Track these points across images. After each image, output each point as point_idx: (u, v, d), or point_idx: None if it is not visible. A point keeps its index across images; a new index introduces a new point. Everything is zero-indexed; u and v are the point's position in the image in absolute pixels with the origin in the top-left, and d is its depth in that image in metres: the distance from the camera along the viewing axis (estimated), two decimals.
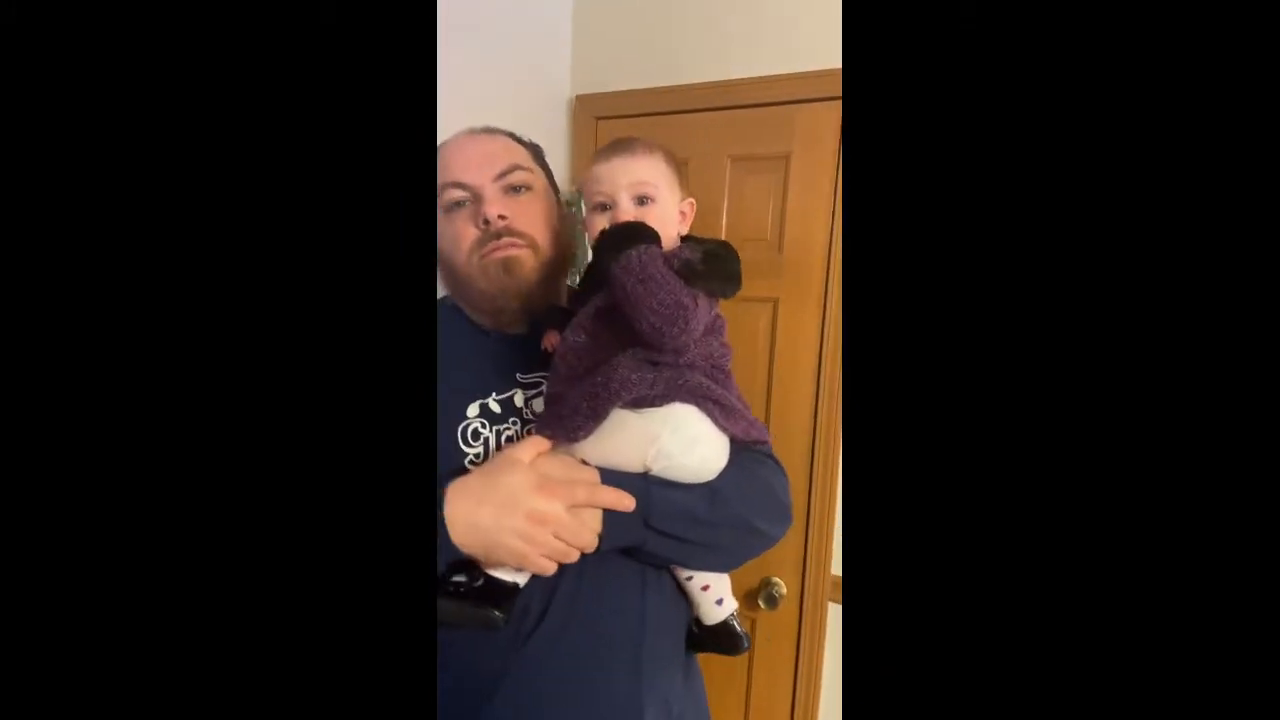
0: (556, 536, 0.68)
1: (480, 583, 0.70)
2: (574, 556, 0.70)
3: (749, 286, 1.43)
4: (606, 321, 0.74)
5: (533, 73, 1.55)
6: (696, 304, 0.69)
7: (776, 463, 0.86)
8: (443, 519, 0.65)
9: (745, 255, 1.48)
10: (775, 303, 1.46)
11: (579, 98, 1.61)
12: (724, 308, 1.49)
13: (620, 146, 0.78)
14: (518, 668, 0.72)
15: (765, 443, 0.82)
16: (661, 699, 0.78)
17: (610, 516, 0.70)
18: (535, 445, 0.72)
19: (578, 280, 0.86)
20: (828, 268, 1.40)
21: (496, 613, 0.69)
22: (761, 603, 1.46)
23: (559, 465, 0.71)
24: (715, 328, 0.78)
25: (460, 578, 0.70)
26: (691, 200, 0.82)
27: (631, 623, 0.77)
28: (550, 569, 0.69)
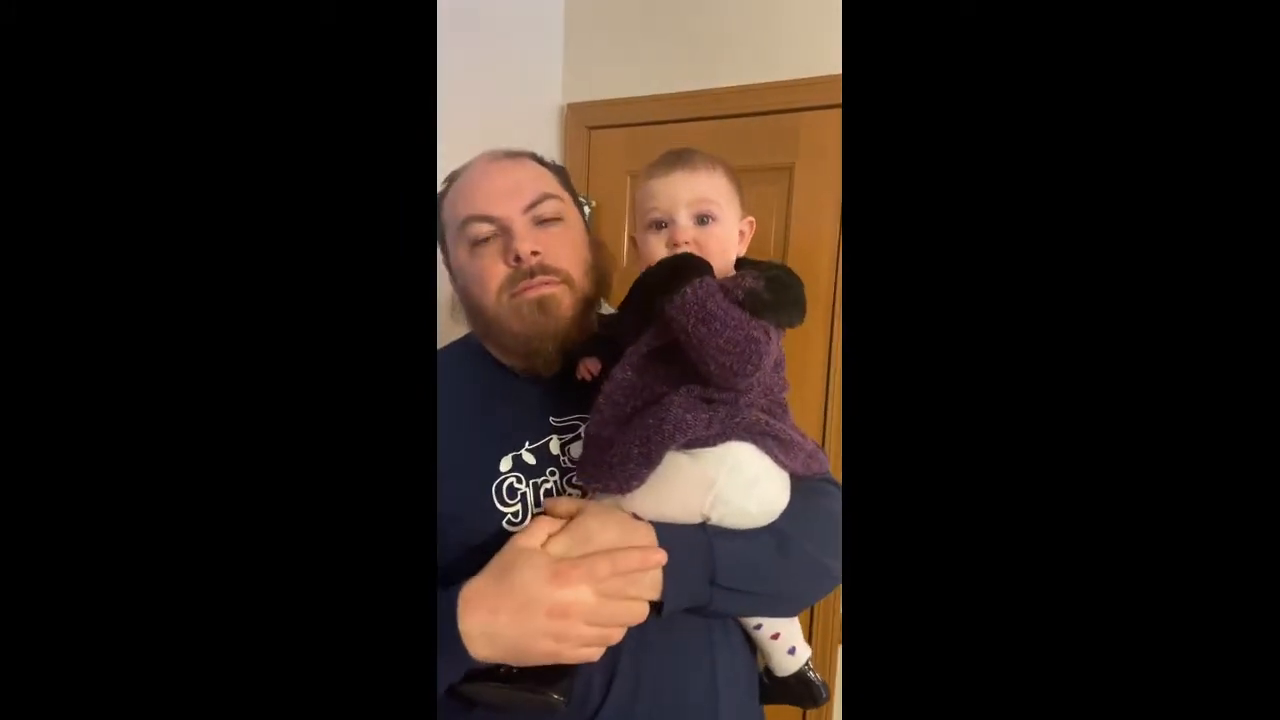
0: (589, 623, 0.61)
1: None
2: (616, 637, 0.63)
3: None
4: (659, 359, 0.67)
5: (523, 80, 1.49)
6: (768, 336, 0.63)
7: (837, 487, 0.79)
8: (459, 634, 0.59)
9: None
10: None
11: (571, 106, 1.54)
12: None
13: (679, 160, 0.71)
14: None
15: (826, 473, 0.76)
16: None
17: (671, 579, 0.63)
18: (545, 526, 0.64)
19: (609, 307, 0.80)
20: (835, 284, 1.32)
21: (555, 695, 0.62)
22: None
23: (574, 541, 0.63)
24: (778, 362, 0.72)
25: None
26: (751, 219, 0.76)
27: (702, 686, 0.71)
28: (593, 657, 0.62)
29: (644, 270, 0.68)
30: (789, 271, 0.70)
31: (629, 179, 1.47)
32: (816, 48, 1.31)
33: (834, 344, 1.34)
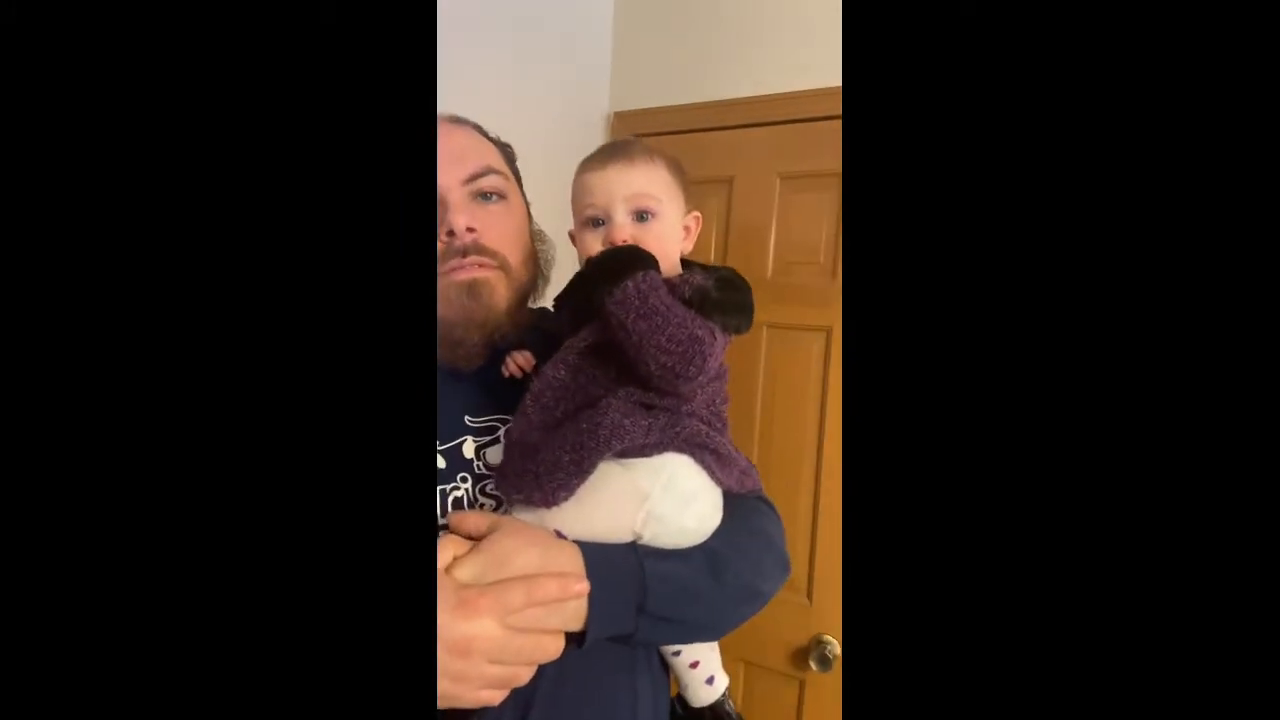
0: (494, 662, 0.53)
1: None
2: (524, 678, 0.55)
3: (799, 314, 1.36)
4: (595, 358, 0.63)
5: (571, 88, 1.49)
6: (714, 337, 0.59)
7: (769, 505, 0.73)
8: None
9: (796, 279, 1.39)
10: (828, 332, 1.34)
11: (618, 114, 1.54)
12: (771, 338, 1.40)
13: (617, 151, 0.66)
14: None
15: (759, 490, 0.70)
16: None
17: (597, 607, 0.56)
18: (451, 546, 0.56)
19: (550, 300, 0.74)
20: None
21: None
22: (813, 663, 1.32)
23: (487, 564, 0.55)
24: (721, 372, 0.67)
25: None
26: (697, 214, 0.71)
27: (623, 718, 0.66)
28: (493, 701, 0.54)
29: (584, 262, 0.64)
30: (737, 275, 0.65)
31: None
32: None
33: None
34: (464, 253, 0.66)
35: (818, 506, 1.35)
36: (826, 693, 1.33)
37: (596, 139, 1.55)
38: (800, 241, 1.37)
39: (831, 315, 1.33)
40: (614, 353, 0.61)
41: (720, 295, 0.61)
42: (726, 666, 0.76)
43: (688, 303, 0.59)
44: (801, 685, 1.36)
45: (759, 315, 1.35)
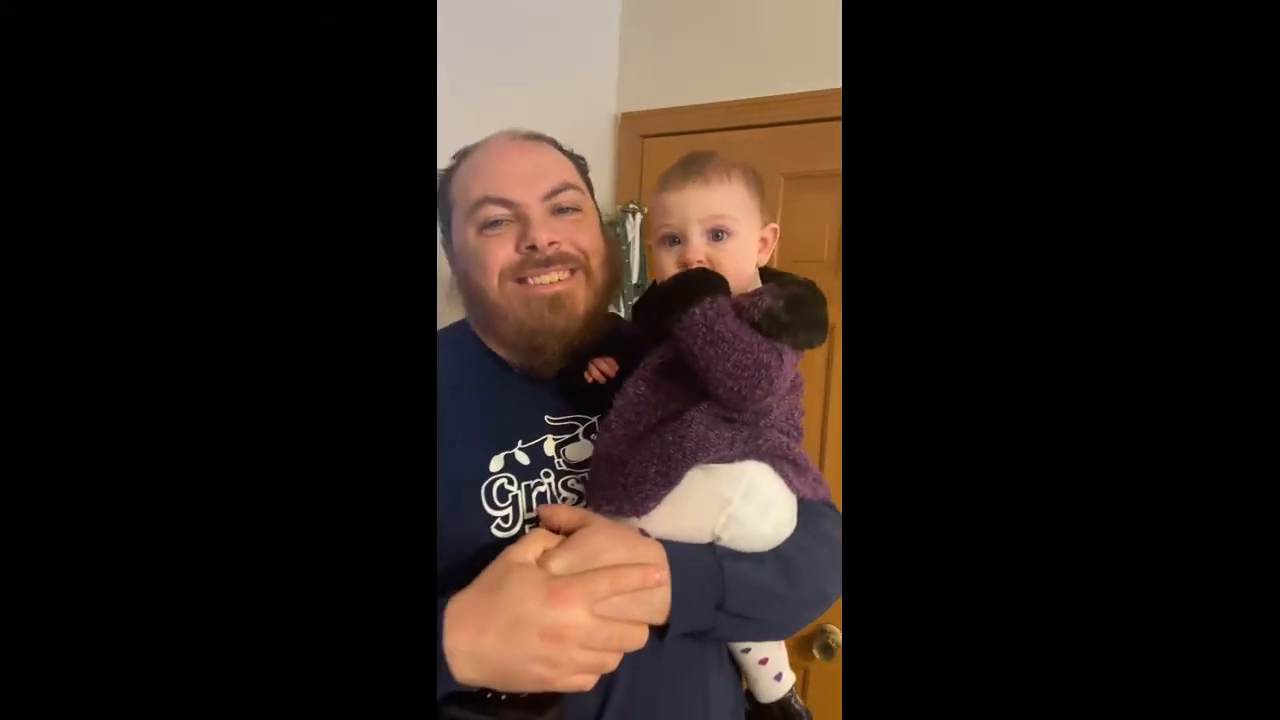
0: (585, 648, 0.56)
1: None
2: (613, 664, 0.58)
3: None
4: (672, 374, 0.65)
5: (577, 89, 1.50)
6: (781, 360, 0.60)
7: (835, 511, 0.76)
8: (443, 651, 0.54)
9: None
10: (832, 329, 1.37)
11: (624, 115, 1.55)
12: None
13: (694, 172, 0.68)
14: None
15: (828, 498, 0.74)
16: None
17: (679, 601, 0.60)
18: (541, 539, 0.60)
19: (628, 309, 0.78)
20: None
21: None
22: (816, 652, 1.35)
23: (579, 557, 0.59)
24: (796, 384, 0.70)
25: None
26: (774, 226, 0.73)
27: (696, 710, 0.69)
28: (586, 686, 0.57)
29: (659, 283, 0.66)
30: (812, 288, 0.66)
31: None
32: None
33: None
34: (547, 263, 0.70)
35: None
36: (829, 680, 1.36)
37: (604, 139, 1.57)
38: (804, 240, 1.39)
39: (834, 312, 1.35)
40: (689, 369, 0.63)
41: (790, 317, 0.61)
42: None
43: (756, 326, 0.61)
44: (805, 673, 1.39)
45: None
